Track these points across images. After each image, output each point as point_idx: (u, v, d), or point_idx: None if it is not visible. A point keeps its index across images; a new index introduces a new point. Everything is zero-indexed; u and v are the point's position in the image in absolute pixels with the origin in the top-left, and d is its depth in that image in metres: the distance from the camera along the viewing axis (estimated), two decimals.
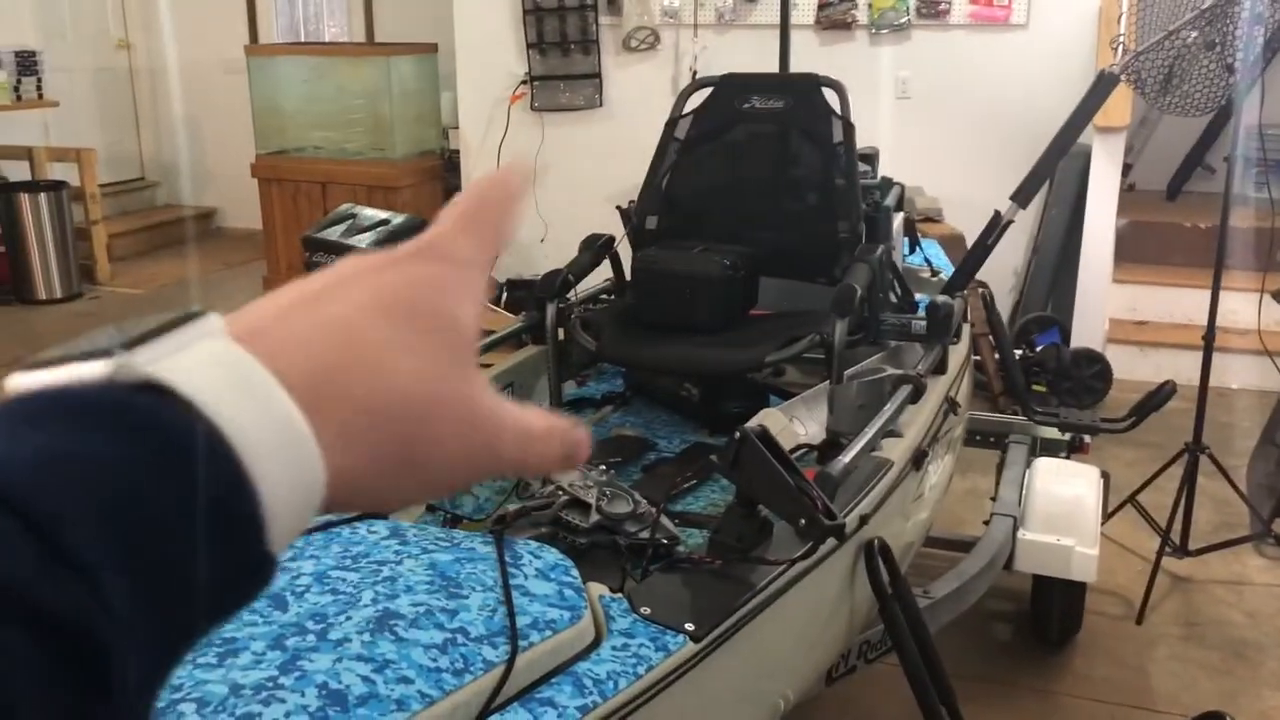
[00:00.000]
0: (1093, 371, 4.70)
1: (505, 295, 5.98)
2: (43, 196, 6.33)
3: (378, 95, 6.43)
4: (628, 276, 2.75)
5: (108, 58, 7.98)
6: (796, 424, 2.22)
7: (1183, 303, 5.16)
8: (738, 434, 1.51)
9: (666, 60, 5.84)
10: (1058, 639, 3.01)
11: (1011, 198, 2.96)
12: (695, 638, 1.36)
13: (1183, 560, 3.35)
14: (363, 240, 2.04)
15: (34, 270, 6.35)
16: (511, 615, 1.26)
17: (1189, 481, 3.30)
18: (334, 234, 2.10)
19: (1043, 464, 3.00)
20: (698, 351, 2.35)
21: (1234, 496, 3.64)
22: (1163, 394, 3.15)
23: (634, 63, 5.88)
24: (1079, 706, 2.80)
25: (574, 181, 6.11)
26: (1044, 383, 4.68)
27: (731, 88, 2.73)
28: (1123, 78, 2.94)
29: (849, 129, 2.58)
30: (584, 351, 2.67)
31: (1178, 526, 3.32)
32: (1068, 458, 3.26)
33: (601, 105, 6.00)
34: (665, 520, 1.88)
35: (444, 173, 6.68)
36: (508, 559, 1.35)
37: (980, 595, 2.65)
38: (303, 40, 7.97)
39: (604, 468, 1.89)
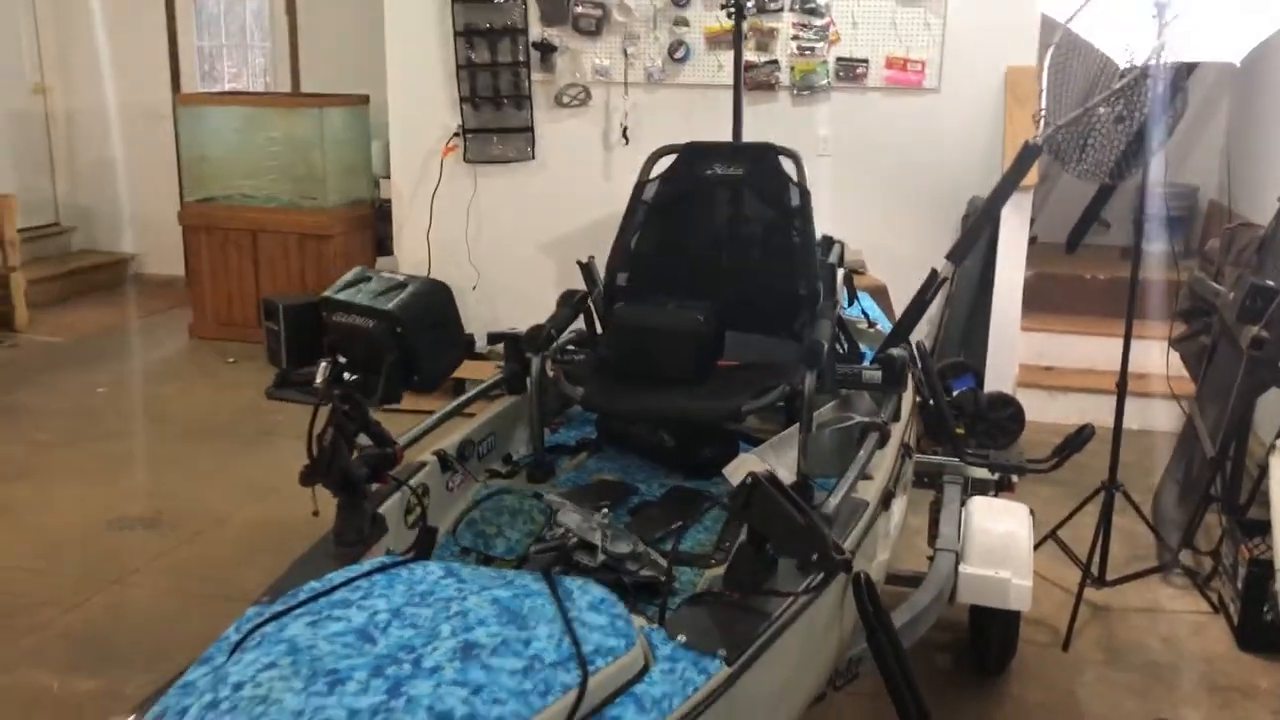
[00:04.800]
0: (1007, 414, 4.99)
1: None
2: None
3: (309, 145, 6.50)
4: (598, 328, 2.91)
5: (23, 101, 7.87)
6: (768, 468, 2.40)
7: (1086, 349, 5.53)
8: (749, 478, 1.68)
9: (597, 116, 6.05)
10: (996, 667, 3.23)
11: (947, 257, 3.21)
12: (729, 661, 1.52)
13: (1101, 590, 3.62)
14: (389, 302, 2.17)
15: None
16: (577, 643, 1.40)
17: (1106, 517, 3.57)
18: (358, 296, 2.21)
19: (978, 502, 3.22)
20: (679, 401, 2.51)
21: (1142, 530, 3.95)
22: (1083, 436, 3.42)
23: (566, 118, 6.08)
24: None
25: (506, 231, 6.26)
26: (962, 425, 4.96)
27: (694, 155, 2.93)
28: (1044, 148, 3.22)
29: (805, 195, 2.79)
30: (557, 400, 2.82)
31: (1096, 559, 3.59)
32: (996, 495, 3.50)
33: (534, 158, 6.17)
34: (656, 556, 2.04)
35: (375, 221, 6.77)
36: (560, 594, 1.49)
37: (929, 626, 2.84)
38: (226, 88, 7.99)
39: (605, 509, 2.03)
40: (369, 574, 1.55)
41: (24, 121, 7.90)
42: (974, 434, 4.94)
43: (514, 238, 6.25)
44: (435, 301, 2.22)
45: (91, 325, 6.98)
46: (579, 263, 3.28)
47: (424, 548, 1.77)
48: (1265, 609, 3.27)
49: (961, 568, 2.97)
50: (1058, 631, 3.46)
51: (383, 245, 6.73)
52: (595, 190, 6.04)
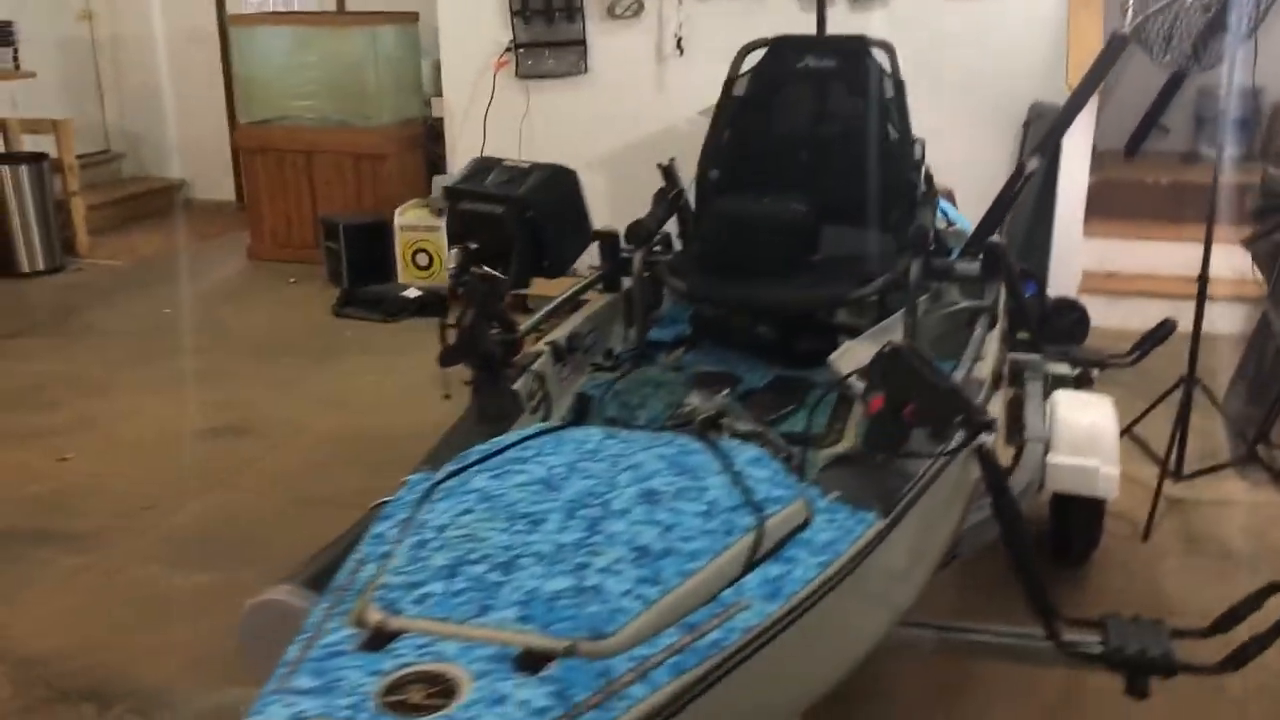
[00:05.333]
0: (1073, 319, 4.99)
1: None
2: (24, 169, 6.29)
3: (362, 64, 6.49)
4: (689, 226, 2.93)
5: (69, 28, 7.88)
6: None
7: (1148, 254, 5.52)
8: (887, 347, 1.73)
9: (650, 27, 6.00)
10: (1078, 558, 3.28)
11: (1034, 151, 3.20)
12: (884, 514, 1.59)
13: (1176, 485, 3.67)
14: (518, 188, 2.19)
15: (16, 243, 6.32)
16: (748, 491, 1.47)
17: (1184, 410, 3.60)
18: (484, 184, 2.23)
19: (1063, 394, 3.26)
20: (784, 291, 2.55)
21: (1212, 429, 3.98)
22: (1164, 330, 3.43)
23: (619, 30, 6.03)
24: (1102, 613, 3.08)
25: (559, 147, 6.21)
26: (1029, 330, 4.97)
27: (785, 48, 2.93)
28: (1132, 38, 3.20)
29: (900, 86, 2.79)
30: (651, 297, 2.86)
31: (1173, 453, 3.63)
32: None
33: (586, 72, 6.15)
34: (775, 436, 2.09)
35: (426, 141, 6.78)
36: (721, 451, 1.56)
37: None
38: (270, 8, 7.96)
39: (726, 392, 2.09)
40: (533, 437, 1.61)
41: (71, 49, 7.92)
42: (1041, 339, 4.95)
43: (566, 153, 6.09)
44: (563, 188, 2.25)
45: (150, 249, 7.06)
46: (660, 165, 3.29)
47: (579, 415, 1.83)
48: None
49: (1050, 457, 3.01)
50: (1136, 525, 3.51)
51: (434, 165, 6.74)
52: (648, 104, 6.01)
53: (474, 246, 2.16)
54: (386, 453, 4.08)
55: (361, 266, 6.09)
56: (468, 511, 1.42)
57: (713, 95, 5.76)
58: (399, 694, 1.15)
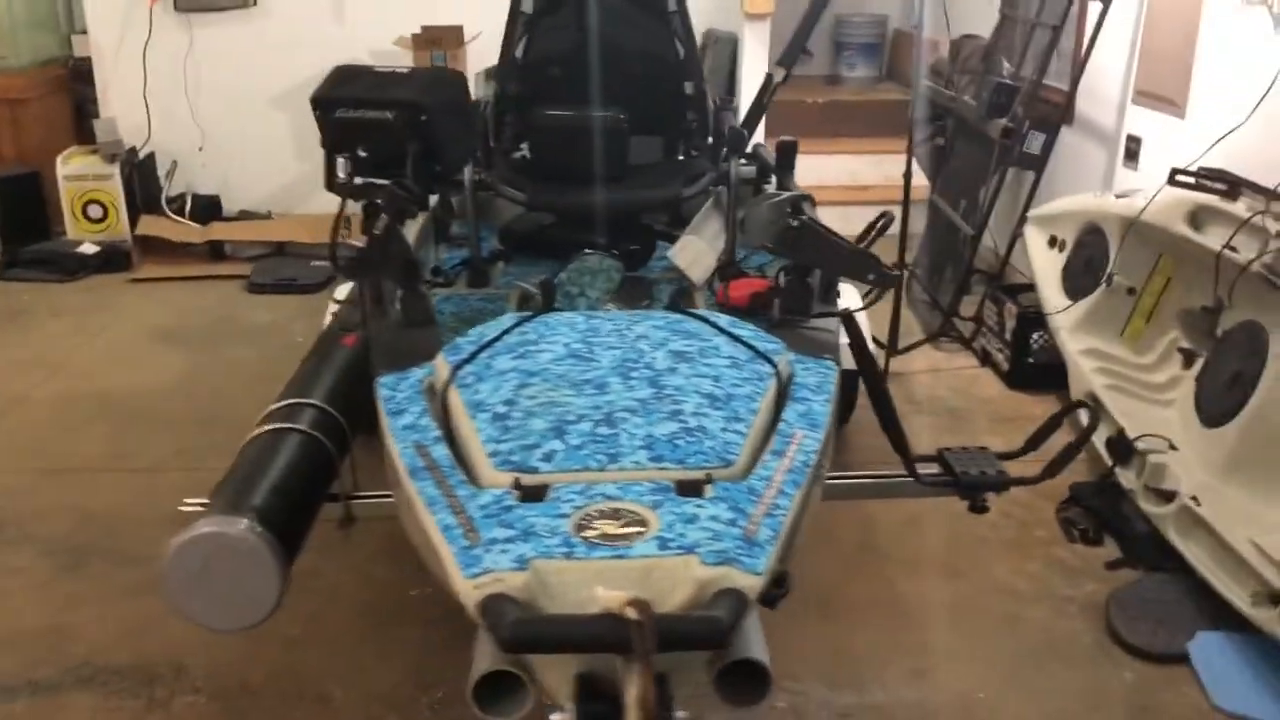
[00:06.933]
0: None
1: (190, 206, 5.76)
2: None
3: None
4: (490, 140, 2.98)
5: None
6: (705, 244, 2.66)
7: (808, 165, 6.13)
8: (795, 223, 1.93)
9: None
10: (839, 421, 3.71)
11: (778, 63, 3.51)
12: (835, 362, 1.79)
13: (894, 358, 4.21)
14: (408, 91, 2.10)
15: None
16: (752, 345, 1.61)
17: (898, 294, 4.13)
18: (363, 90, 2.10)
19: None
20: (624, 193, 2.68)
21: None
22: (884, 223, 3.90)
23: None
24: (863, 465, 3.52)
25: (230, 86, 5.87)
26: None
27: None
28: None
29: None
30: (446, 217, 2.88)
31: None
32: None
33: (254, 4, 5.82)
34: None
35: (71, 83, 6.12)
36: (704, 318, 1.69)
37: None
38: None
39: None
40: (521, 323, 1.65)
41: None
42: None
43: (241, 93, 5.89)
44: (451, 90, 2.21)
45: None
46: None
47: (548, 302, 1.87)
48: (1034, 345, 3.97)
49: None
50: (864, 394, 4.00)
51: (82, 108, 6.12)
52: (328, 35, 5.79)
53: (364, 154, 2.09)
54: (124, 411, 3.79)
55: (17, 224, 5.47)
56: (524, 385, 1.46)
57: (401, 25, 5.70)
58: (591, 530, 1.20)
